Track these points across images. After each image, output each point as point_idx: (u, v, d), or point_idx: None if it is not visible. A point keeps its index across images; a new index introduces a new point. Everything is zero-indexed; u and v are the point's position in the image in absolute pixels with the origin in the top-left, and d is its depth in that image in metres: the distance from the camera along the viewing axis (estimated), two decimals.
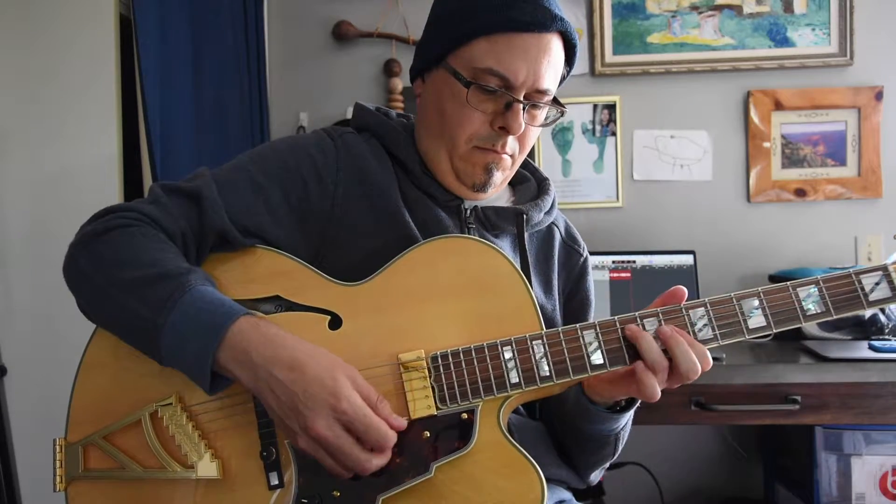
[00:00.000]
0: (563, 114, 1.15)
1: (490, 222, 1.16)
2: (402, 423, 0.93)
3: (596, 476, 1.21)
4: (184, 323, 0.92)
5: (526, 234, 1.17)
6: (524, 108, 1.09)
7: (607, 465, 1.19)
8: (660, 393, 0.96)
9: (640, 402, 1.07)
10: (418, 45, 1.18)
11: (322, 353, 0.93)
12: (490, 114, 1.09)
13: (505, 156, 1.12)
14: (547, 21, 1.06)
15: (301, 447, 0.91)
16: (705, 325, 0.97)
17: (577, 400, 1.08)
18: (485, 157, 1.12)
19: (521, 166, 1.27)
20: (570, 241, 1.29)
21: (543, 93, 1.10)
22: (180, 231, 1.03)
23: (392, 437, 0.91)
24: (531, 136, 1.14)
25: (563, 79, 1.16)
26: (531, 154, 1.20)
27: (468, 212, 1.16)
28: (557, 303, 1.23)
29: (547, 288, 1.22)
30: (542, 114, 1.14)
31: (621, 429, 1.12)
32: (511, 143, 1.12)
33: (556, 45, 1.09)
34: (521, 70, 1.06)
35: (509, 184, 1.28)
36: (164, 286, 0.94)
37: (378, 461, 0.91)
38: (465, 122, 1.10)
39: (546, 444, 1.15)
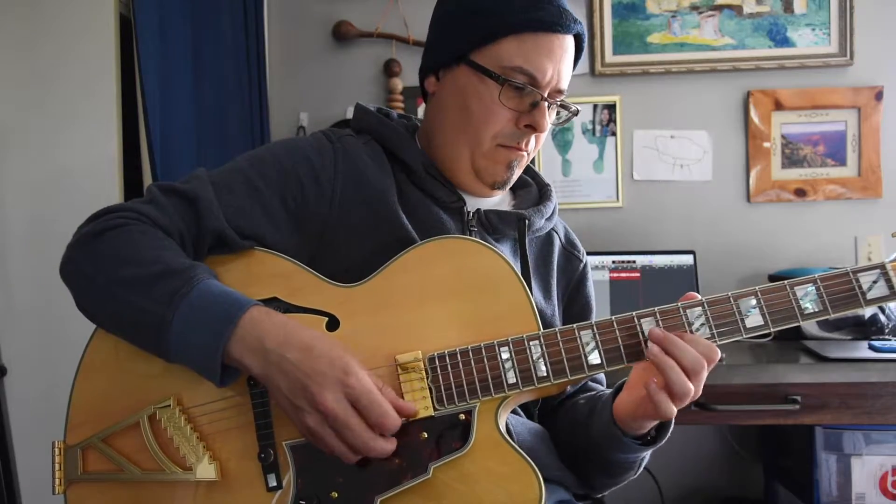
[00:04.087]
0: (576, 113, 1.17)
1: (492, 226, 1.17)
2: (411, 407, 0.94)
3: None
4: (193, 316, 0.93)
5: (526, 239, 1.17)
6: (549, 108, 1.12)
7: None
8: (675, 411, 0.96)
9: (669, 433, 1.07)
10: (430, 42, 1.19)
11: (332, 339, 0.95)
12: (517, 112, 1.11)
13: (524, 153, 1.15)
14: (569, 23, 1.10)
15: (308, 425, 0.91)
16: (703, 324, 0.97)
17: (608, 430, 1.06)
18: (508, 155, 1.14)
19: (523, 171, 1.28)
20: (569, 247, 1.29)
21: (561, 92, 1.13)
22: (178, 231, 1.03)
23: (394, 418, 0.92)
24: (545, 134, 1.17)
25: None
26: None
27: (471, 214, 1.17)
28: (556, 308, 1.23)
29: (546, 292, 1.22)
30: (555, 113, 1.16)
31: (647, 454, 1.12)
32: (531, 140, 1.14)
33: (572, 46, 1.13)
34: (547, 69, 1.09)
35: (511, 188, 1.28)
36: (169, 281, 0.94)
37: (383, 444, 0.92)
38: (491, 120, 1.11)
39: (546, 446, 1.15)
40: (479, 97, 1.11)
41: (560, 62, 1.10)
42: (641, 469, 1.14)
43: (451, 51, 1.14)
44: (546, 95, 1.10)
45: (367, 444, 0.91)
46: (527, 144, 1.14)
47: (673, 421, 1.05)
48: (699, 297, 0.99)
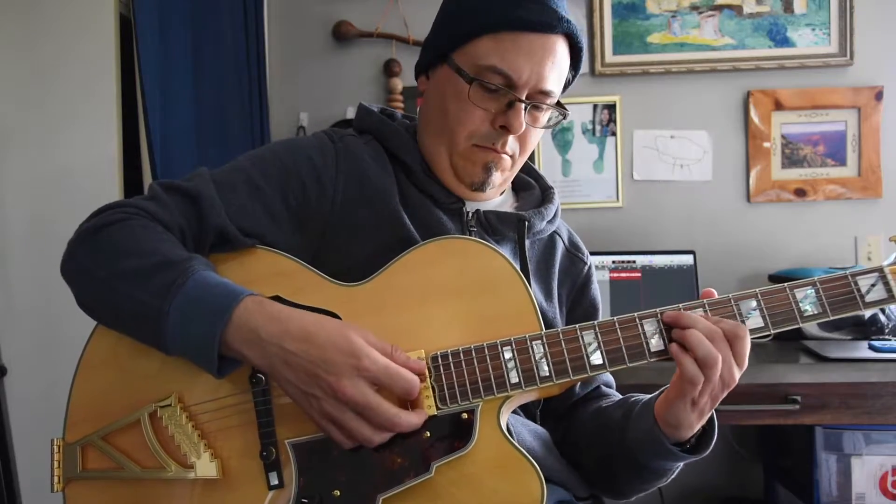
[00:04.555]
0: (565, 117, 1.15)
1: (491, 226, 1.16)
2: (422, 365, 0.95)
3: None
4: (188, 307, 0.93)
5: (527, 241, 1.17)
6: (526, 109, 1.09)
7: None
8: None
9: (713, 442, 1.04)
10: (425, 41, 1.18)
11: (328, 319, 0.94)
12: (492, 112, 1.09)
13: (504, 156, 1.12)
14: (553, 22, 1.07)
15: (326, 411, 0.91)
16: None
17: (648, 435, 1.03)
18: (484, 156, 1.12)
19: (526, 173, 1.28)
20: (573, 250, 1.28)
21: (546, 94, 1.10)
22: (179, 227, 1.03)
23: (417, 383, 0.92)
24: (532, 137, 1.14)
25: (567, 83, 1.16)
26: (531, 155, 1.20)
27: (470, 215, 1.16)
28: (558, 310, 1.23)
29: (548, 294, 1.21)
30: (544, 116, 1.14)
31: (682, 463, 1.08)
32: (511, 143, 1.12)
33: (561, 47, 1.09)
34: (524, 69, 1.06)
35: (514, 190, 1.28)
36: (166, 273, 0.94)
37: (409, 417, 0.92)
38: (465, 119, 1.09)
39: (546, 446, 1.14)
40: (455, 96, 1.10)
41: (541, 62, 1.07)
42: (674, 475, 1.10)
43: (436, 50, 1.14)
44: (524, 97, 1.08)
45: (392, 421, 0.91)
46: (503, 146, 1.11)
47: (716, 429, 1.04)
48: (715, 293, 0.99)
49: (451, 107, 1.10)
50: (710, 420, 1.03)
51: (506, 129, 1.09)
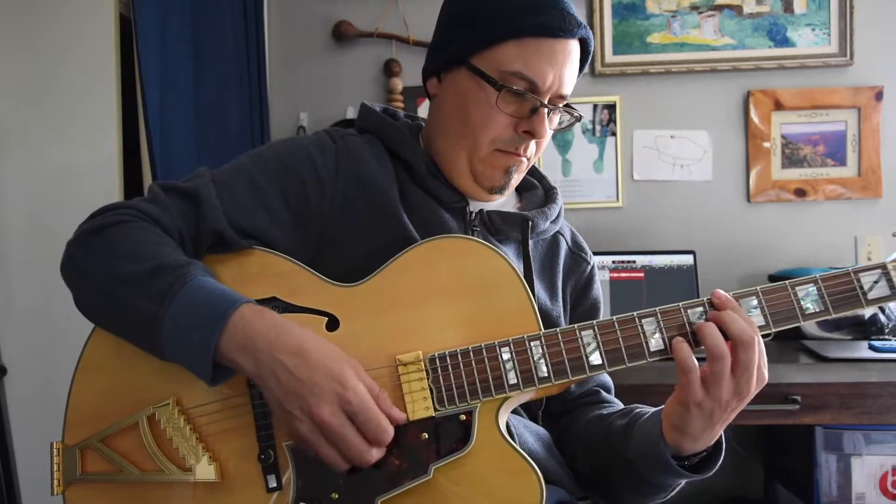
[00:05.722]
0: (579, 118, 1.16)
1: (495, 227, 1.16)
2: (402, 416, 0.93)
3: None
4: (184, 314, 0.92)
5: (531, 241, 1.17)
6: (548, 113, 1.10)
7: None
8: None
9: (721, 460, 1.03)
10: (432, 44, 1.18)
11: (325, 342, 0.93)
12: (514, 117, 1.10)
13: (524, 158, 1.14)
14: (573, 27, 1.08)
15: (300, 432, 0.90)
16: None
17: (655, 450, 1.00)
18: (506, 161, 1.12)
19: (530, 174, 1.28)
20: (576, 250, 1.28)
21: (563, 98, 1.11)
22: (177, 229, 1.03)
23: (390, 433, 0.91)
24: (547, 139, 1.15)
25: None
26: None
27: (473, 215, 1.16)
28: (563, 309, 1.23)
29: (552, 294, 1.21)
30: (557, 118, 1.15)
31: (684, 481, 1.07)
32: (531, 146, 1.13)
33: (577, 51, 1.11)
34: (548, 75, 1.07)
35: (516, 190, 1.28)
36: (163, 278, 0.94)
37: (376, 455, 0.91)
38: (489, 125, 1.10)
39: (547, 447, 1.14)
40: (478, 102, 1.10)
41: (562, 68, 1.08)
42: (673, 493, 1.09)
43: (452, 54, 1.13)
44: (546, 101, 1.09)
45: (361, 457, 0.90)
46: (525, 150, 1.12)
47: (724, 446, 1.02)
48: (723, 293, 0.97)
49: (474, 112, 1.10)
50: (718, 445, 1.02)
51: (530, 135, 1.10)
